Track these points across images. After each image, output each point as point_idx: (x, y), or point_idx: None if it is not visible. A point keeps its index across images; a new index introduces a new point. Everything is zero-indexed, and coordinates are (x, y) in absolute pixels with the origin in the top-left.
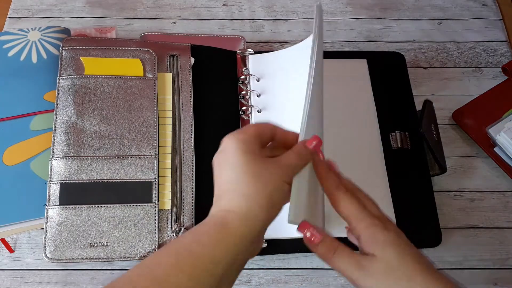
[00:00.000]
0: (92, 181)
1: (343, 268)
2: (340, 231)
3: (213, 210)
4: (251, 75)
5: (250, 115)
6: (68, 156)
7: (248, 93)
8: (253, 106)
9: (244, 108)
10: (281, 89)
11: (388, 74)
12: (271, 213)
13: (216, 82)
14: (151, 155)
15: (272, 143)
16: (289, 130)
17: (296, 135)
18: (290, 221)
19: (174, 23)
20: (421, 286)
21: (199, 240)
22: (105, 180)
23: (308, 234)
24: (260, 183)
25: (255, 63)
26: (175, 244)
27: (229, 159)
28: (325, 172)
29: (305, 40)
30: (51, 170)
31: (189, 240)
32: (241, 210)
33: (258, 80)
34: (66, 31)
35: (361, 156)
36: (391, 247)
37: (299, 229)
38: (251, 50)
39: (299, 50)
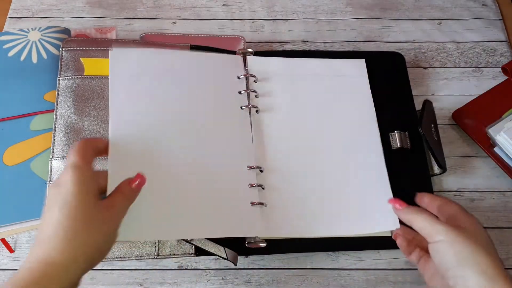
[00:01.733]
0: None
1: (425, 223)
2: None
3: (31, 257)
4: (251, 75)
5: (249, 114)
6: None
7: (247, 92)
8: (252, 106)
9: (243, 106)
10: (279, 93)
11: (388, 74)
12: (97, 261)
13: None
14: None
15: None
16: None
17: None
18: (120, 239)
19: (174, 23)
20: (489, 264)
21: None
22: None
23: (397, 204)
24: (92, 232)
25: (253, 65)
26: None
27: (64, 199)
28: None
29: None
30: (51, 170)
31: None
32: (64, 261)
33: (255, 82)
34: (66, 31)
35: (361, 155)
36: (484, 231)
37: (390, 200)
38: (251, 50)
39: (295, 63)
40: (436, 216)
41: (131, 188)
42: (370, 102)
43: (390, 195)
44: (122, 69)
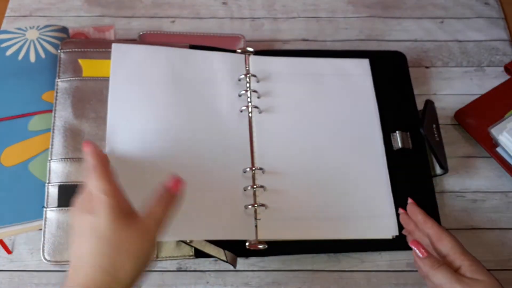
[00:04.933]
0: None
1: (443, 280)
2: None
3: (69, 284)
4: (252, 75)
5: (250, 114)
6: (67, 158)
7: (248, 93)
8: (254, 106)
9: (243, 107)
10: (281, 93)
11: (390, 74)
12: (134, 282)
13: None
14: None
15: None
16: None
17: None
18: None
19: (173, 21)
20: None
21: None
22: None
23: (417, 250)
24: (127, 258)
25: (255, 64)
26: None
27: (100, 228)
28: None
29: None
30: (49, 172)
31: None
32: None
33: (258, 82)
34: (64, 30)
35: (362, 156)
36: (493, 277)
37: (411, 243)
38: (251, 49)
39: (298, 62)
40: (452, 270)
41: (169, 194)
42: (373, 103)
43: (391, 198)
44: (123, 66)
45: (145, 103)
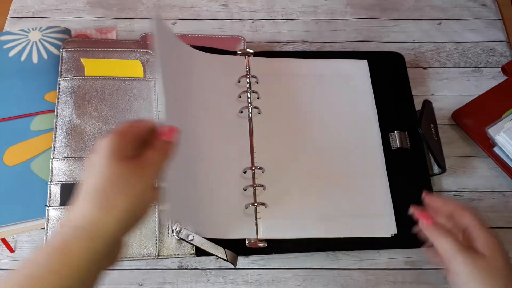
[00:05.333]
0: None
1: (446, 247)
2: None
3: (65, 219)
4: (252, 76)
5: (250, 115)
6: (69, 157)
7: (248, 93)
8: (254, 107)
9: (243, 108)
10: (281, 94)
11: (388, 74)
12: (129, 224)
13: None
14: None
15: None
16: (149, 123)
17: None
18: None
19: (174, 23)
20: None
21: (39, 276)
22: None
23: (424, 219)
24: (120, 193)
25: (255, 65)
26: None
27: (97, 163)
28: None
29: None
30: (52, 171)
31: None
32: (91, 225)
33: (257, 82)
34: (66, 31)
35: (361, 155)
36: (501, 254)
37: (418, 215)
38: (251, 51)
39: (297, 63)
40: (458, 239)
41: (164, 141)
42: (372, 104)
43: (389, 197)
44: (166, 44)
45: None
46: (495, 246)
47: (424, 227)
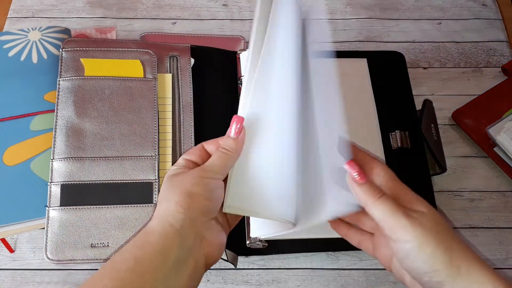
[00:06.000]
0: (93, 182)
1: (386, 213)
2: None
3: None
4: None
5: None
6: (69, 157)
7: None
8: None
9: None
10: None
11: (388, 74)
12: (192, 206)
13: (216, 83)
14: (151, 156)
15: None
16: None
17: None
18: (224, 209)
19: (174, 23)
20: (459, 252)
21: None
22: (106, 181)
23: (354, 173)
24: (174, 186)
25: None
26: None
27: (168, 174)
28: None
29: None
30: (52, 171)
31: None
32: (161, 212)
33: None
34: (66, 31)
35: None
36: (434, 210)
37: (347, 163)
38: None
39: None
40: (397, 203)
41: (231, 139)
42: (371, 103)
43: None
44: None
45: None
46: (422, 201)
47: (357, 186)
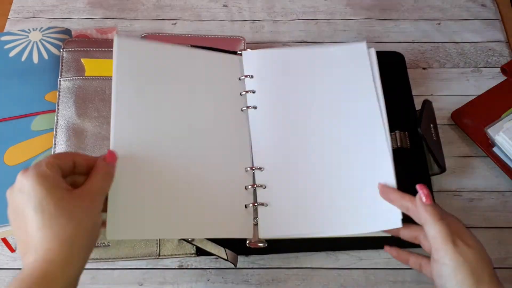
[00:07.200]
0: None
1: (440, 233)
2: None
3: (27, 261)
4: (251, 76)
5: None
6: None
7: (247, 93)
8: (253, 107)
9: (243, 108)
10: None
11: (388, 74)
12: (91, 248)
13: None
14: None
15: (74, 170)
16: (89, 156)
17: (95, 160)
18: (108, 238)
19: (175, 24)
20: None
21: None
22: None
23: (423, 196)
24: (76, 223)
25: (249, 60)
26: None
27: (32, 201)
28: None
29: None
30: None
31: None
32: (63, 257)
33: (252, 77)
34: (67, 31)
35: (365, 152)
36: (482, 246)
37: (419, 186)
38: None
39: (292, 53)
40: (451, 228)
41: (108, 165)
42: (372, 92)
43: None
44: (128, 62)
45: (148, 100)
46: (477, 240)
47: (422, 204)
